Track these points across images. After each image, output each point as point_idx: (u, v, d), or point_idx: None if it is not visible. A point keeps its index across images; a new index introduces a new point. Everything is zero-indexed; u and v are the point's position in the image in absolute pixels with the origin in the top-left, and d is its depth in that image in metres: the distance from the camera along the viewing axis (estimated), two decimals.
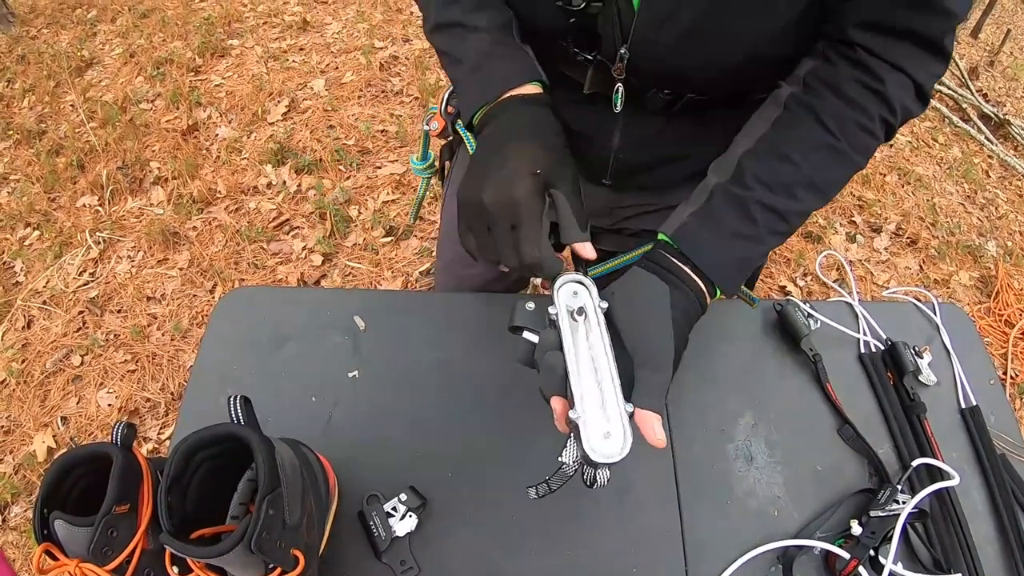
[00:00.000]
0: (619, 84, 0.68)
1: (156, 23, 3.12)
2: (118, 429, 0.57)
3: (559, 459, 0.53)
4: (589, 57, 0.67)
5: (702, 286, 0.61)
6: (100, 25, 3.18)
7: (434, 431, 0.76)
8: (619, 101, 0.70)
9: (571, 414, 0.51)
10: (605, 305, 0.57)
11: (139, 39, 3.04)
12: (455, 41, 0.68)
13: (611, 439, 0.50)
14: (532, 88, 0.65)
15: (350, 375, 0.79)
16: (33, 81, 2.82)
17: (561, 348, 0.53)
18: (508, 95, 0.64)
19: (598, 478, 0.52)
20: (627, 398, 0.53)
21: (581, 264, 0.62)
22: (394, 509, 0.67)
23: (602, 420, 0.51)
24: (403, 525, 0.66)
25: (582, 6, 0.60)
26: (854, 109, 0.60)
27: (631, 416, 0.52)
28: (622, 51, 0.63)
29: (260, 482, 0.50)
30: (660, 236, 0.64)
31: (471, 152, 0.68)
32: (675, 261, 0.61)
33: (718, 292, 0.63)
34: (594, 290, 0.57)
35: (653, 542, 0.70)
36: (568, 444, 0.53)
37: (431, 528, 0.69)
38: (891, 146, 2.65)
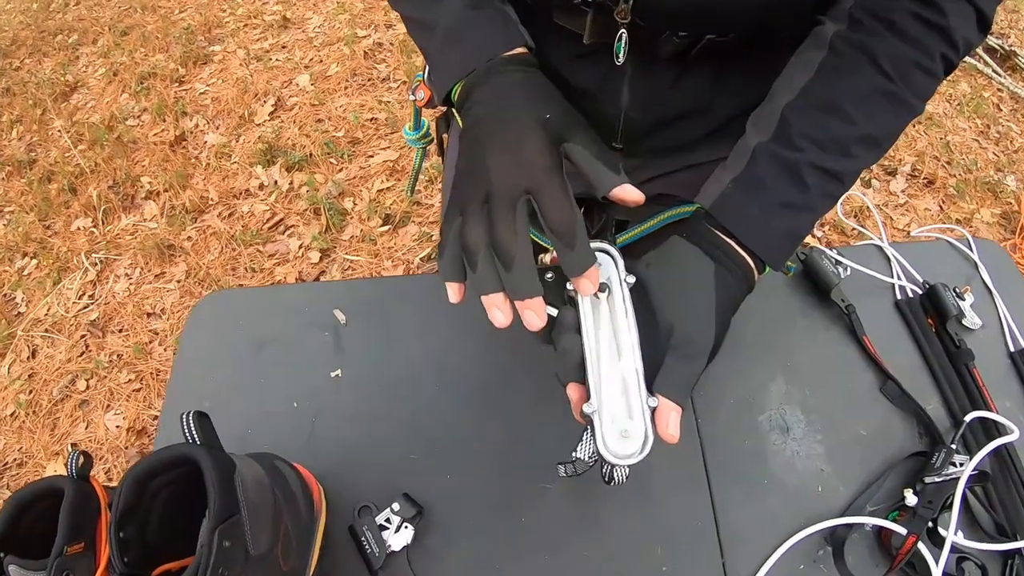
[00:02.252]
0: (623, 30, 0.58)
1: (137, 39, 3.07)
2: (72, 459, 0.51)
3: (573, 454, 0.47)
4: (587, 1, 0.57)
5: (750, 262, 0.53)
6: (82, 48, 3.15)
7: (428, 431, 0.69)
8: (622, 51, 0.59)
9: (586, 407, 0.45)
10: (632, 280, 0.49)
11: (121, 57, 3.00)
12: (424, 5, 0.59)
13: (629, 438, 0.44)
14: (517, 51, 0.56)
15: (333, 375, 0.73)
16: (20, 111, 2.80)
17: (579, 330, 0.47)
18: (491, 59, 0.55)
19: (615, 475, 0.47)
20: (652, 388, 0.46)
21: (608, 231, 0.53)
22: (387, 521, 0.60)
23: (620, 416, 0.45)
24: (398, 538, 0.59)
25: None
26: (914, 48, 0.51)
27: (654, 411, 0.45)
28: None
29: (210, 510, 0.43)
30: (697, 206, 0.56)
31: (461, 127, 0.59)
32: (719, 235, 0.53)
33: (767, 268, 0.54)
34: (620, 262, 0.50)
35: (683, 535, 0.63)
36: (584, 438, 0.47)
37: (430, 539, 0.62)
38: None
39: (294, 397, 0.72)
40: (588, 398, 0.45)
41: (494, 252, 0.44)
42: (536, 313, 0.43)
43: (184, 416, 0.50)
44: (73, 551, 0.48)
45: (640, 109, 0.67)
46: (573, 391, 0.47)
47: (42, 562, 0.48)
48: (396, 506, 0.61)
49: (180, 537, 0.51)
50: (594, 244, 0.50)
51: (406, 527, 0.60)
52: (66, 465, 0.52)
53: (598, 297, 0.48)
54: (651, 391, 0.46)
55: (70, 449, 1.75)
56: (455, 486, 0.65)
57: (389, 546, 0.59)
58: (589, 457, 0.47)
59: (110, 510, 0.51)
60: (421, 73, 0.74)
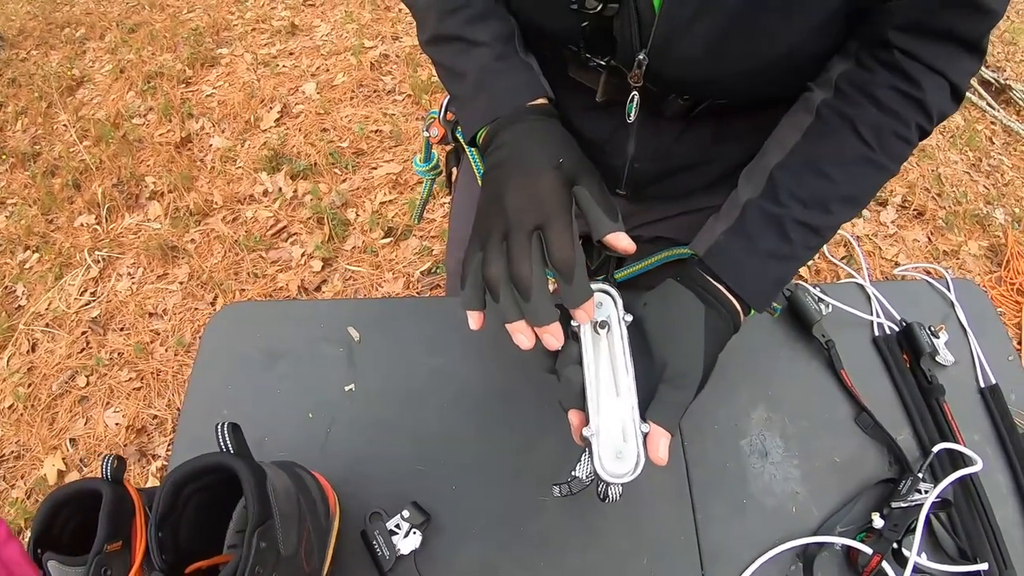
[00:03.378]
0: (635, 93, 0.63)
1: (144, 37, 3.09)
2: (107, 463, 0.56)
3: (572, 473, 0.53)
4: (602, 63, 0.62)
5: (737, 306, 0.59)
6: (89, 43, 3.16)
7: (435, 443, 0.74)
8: (633, 111, 0.65)
9: (585, 431, 0.51)
10: (630, 318, 0.55)
11: (128, 54, 3.02)
12: (456, 55, 0.64)
13: (623, 459, 0.50)
14: (538, 101, 0.62)
15: (346, 388, 0.77)
16: (25, 104, 2.81)
17: (581, 362, 0.52)
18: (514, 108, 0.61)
19: (610, 493, 0.52)
20: (645, 415, 0.52)
21: (608, 269, 0.59)
22: (397, 526, 0.65)
23: (616, 439, 0.51)
24: (407, 543, 0.64)
25: (598, 8, 0.55)
26: (891, 118, 0.57)
27: (646, 436, 0.51)
28: (640, 57, 0.58)
29: (249, 514, 0.48)
30: (692, 253, 0.62)
31: (475, 167, 0.65)
32: (710, 280, 0.59)
33: (752, 311, 0.61)
34: (620, 302, 0.56)
35: (667, 547, 0.68)
36: (583, 459, 0.53)
37: (437, 545, 0.66)
38: None
39: (309, 408, 0.76)
40: (587, 423, 0.51)
41: (513, 285, 0.49)
42: (554, 336, 0.49)
43: (219, 427, 0.54)
44: (112, 549, 0.53)
45: (645, 161, 0.73)
46: (574, 416, 0.53)
47: (79, 559, 0.52)
48: (406, 513, 0.65)
49: (206, 539, 0.55)
50: (597, 285, 0.56)
51: (414, 533, 0.64)
52: (101, 467, 0.56)
53: (599, 333, 0.54)
54: (644, 418, 0.52)
55: (68, 444, 1.77)
56: (460, 496, 0.70)
57: (398, 550, 0.63)
58: (587, 476, 0.52)
59: (148, 511, 0.55)
60: (435, 111, 0.79)
